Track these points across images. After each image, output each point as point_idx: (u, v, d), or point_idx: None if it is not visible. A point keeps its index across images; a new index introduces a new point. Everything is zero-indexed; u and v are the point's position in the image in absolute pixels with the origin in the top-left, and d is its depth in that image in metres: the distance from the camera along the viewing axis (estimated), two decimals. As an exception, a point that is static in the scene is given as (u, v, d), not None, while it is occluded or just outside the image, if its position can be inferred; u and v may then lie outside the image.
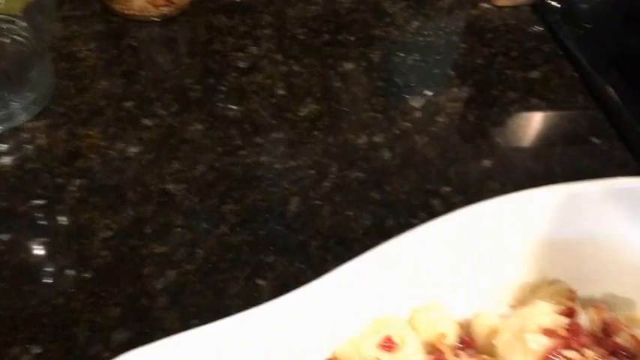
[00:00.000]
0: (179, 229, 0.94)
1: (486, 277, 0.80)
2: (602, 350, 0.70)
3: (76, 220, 0.93)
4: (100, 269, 0.88)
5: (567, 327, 0.70)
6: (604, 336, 0.73)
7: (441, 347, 0.75)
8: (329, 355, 0.75)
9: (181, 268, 0.90)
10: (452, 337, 0.77)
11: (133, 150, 1.02)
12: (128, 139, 1.04)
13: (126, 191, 0.97)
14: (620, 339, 0.72)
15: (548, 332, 0.70)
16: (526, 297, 0.79)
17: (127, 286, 0.87)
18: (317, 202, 0.99)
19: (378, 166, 1.05)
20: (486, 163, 1.07)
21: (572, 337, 0.70)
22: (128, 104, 1.09)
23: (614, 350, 0.71)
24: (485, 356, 0.73)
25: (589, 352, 0.69)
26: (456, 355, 0.75)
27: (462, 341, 0.77)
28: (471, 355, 0.74)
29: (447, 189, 1.02)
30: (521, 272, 0.80)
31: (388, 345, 0.72)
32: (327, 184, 1.01)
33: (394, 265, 0.77)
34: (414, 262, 0.78)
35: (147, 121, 1.07)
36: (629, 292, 0.78)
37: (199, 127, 1.07)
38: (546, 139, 1.14)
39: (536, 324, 0.71)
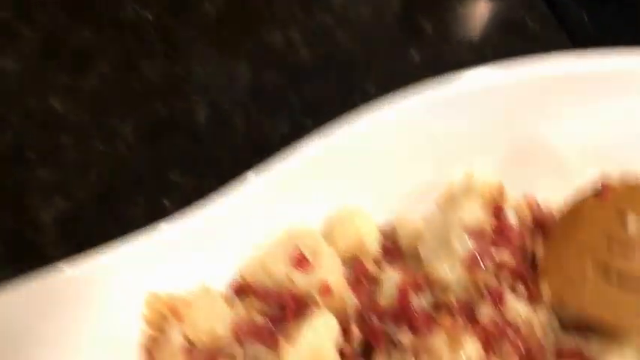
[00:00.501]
0: (69, 152, 0.83)
1: (410, 179, 0.72)
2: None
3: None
4: (-24, 202, 0.77)
5: (494, 227, 0.62)
6: (536, 228, 0.66)
7: (362, 258, 0.67)
8: (237, 277, 0.67)
9: (73, 195, 0.80)
10: (373, 245, 0.69)
11: (10, 64, 0.89)
12: (4, 53, 0.90)
13: (3, 112, 0.84)
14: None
15: (474, 233, 0.62)
16: (453, 197, 0.71)
17: (8, 219, 0.76)
18: (228, 111, 0.89)
19: (295, 66, 0.94)
20: (415, 57, 0.97)
21: (499, 237, 0.62)
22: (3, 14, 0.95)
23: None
24: (410, 264, 0.65)
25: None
26: (379, 266, 0.67)
27: (385, 249, 0.69)
28: (394, 264, 0.66)
29: (372, 88, 0.92)
30: (448, 171, 0.71)
31: (299, 260, 0.64)
32: (238, 90, 0.91)
33: (304, 173, 0.68)
34: (326, 166, 0.69)
35: (26, 31, 0.93)
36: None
37: (89, 34, 0.94)
38: (481, 28, 1.04)
39: (460, 226, 0.63)
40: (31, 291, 0.56)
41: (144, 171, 0.82)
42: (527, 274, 0.63)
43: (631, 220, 0.63)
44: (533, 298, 0.61)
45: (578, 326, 0.62)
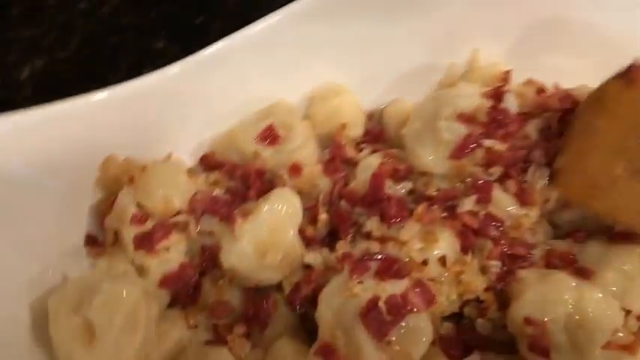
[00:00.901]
0: (52, 11, 0.77)
1: (406, 60, 0.64)
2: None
3: None
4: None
5: (489, 111, 0.55)
6: (538, 111, 0.58)
7: (339, 139, 0.60)
8: (207, 150, 0.61)
9: (52, 55, 0.75)
10: (356, 128, 0.62)
11: None
12: None
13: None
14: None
15: (466, 118, 0.55)
16: (452, 81, 0.64)
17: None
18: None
19: None
20: None
21: (494, 123, 0.54)
22: None
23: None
24: (393, 150, 0.59)
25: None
26: (359, 149, 0.60)
27: (369, 133, 0.63)
28: (377, 150, 0.59)
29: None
30: (449, 53, 0.63)
31: (270, 136, 0.58)
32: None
33: (287, 41, 0.61)
34: (314, 38, 0.62)
35: None
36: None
37: None
38: None
39: (452, 109, 0.55)
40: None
41: (129, 36, 0.76)
42: (520, 168, 0.55)
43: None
44: (524, 196, 0.54)
45: (576, 233, 0.55)
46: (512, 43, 0.64)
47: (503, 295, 0.52)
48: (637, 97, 0.53)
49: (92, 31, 0.76)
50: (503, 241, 0.53)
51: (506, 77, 0.61)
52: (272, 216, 0.52)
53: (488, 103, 0.56)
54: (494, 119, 0.55)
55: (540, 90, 0.60)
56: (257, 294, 0.55)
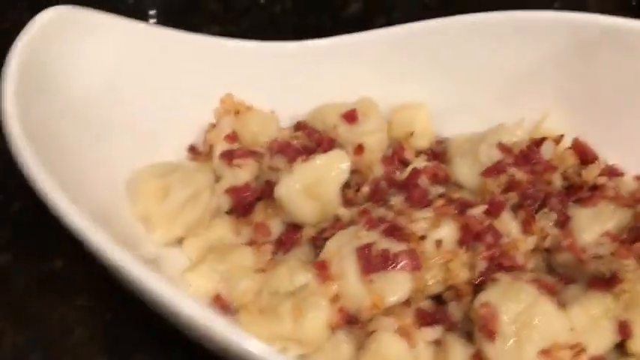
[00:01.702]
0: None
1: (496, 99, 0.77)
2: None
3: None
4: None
5: (525, 150, 0.66)
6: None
7: (403, 142, 0.74)
8: (300, 119, 0.77)
9: (226, 27, 0.94)
10: (423, 140, 0.76)
11: None
12: None
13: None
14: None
15: (504, 149, 0.67)
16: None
17: None
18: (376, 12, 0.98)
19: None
20: None
21: (522, 159, 0.66)
22: None
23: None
24: (441, 165, 0.71)
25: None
26: (416, 156, 0.74)
27: (433, 152, 0.75)
28: (427, 160, 0.72)
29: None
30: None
31: (350, 116, 0.73)
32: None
33: (392, 54, 0.76)
34: (413, 57, 0.76)
35: None
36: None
37: None
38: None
39: (496, 138, 0.68)
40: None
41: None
42: (535, 204, 0.65)
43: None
44: (528, 226, 0.64)
45: (568, 276, 0.64)
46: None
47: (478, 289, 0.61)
48: None
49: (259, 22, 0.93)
50: (495, 251, 0.63)
51: (558, 139, 0.72)
52: (323, 167, 0.66)
53: (526, 143, 0.67)
54: (525, 156, 0.66)
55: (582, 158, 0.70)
56: (293, 227, 0.69)
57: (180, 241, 0.67)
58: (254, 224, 0.68)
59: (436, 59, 0.77)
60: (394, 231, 0.62)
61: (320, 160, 0.66)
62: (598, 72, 0.75)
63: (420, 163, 0.71)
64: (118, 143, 0.68)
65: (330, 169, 0.67)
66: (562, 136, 0.72)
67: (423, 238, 0.62)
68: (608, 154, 0.73)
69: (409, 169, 0.69)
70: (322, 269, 0.59)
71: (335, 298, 0.59)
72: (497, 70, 0.78)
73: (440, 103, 0.79)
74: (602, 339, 0.60)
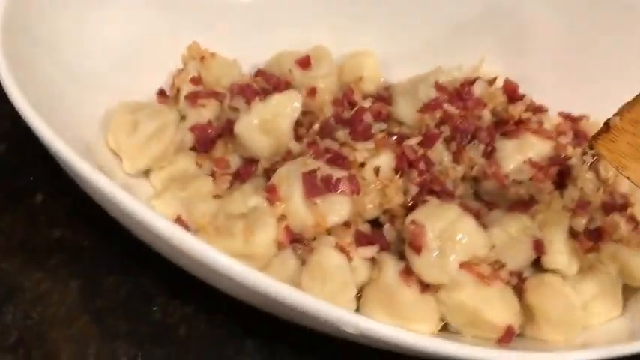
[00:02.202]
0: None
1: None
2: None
3: None
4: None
5: (458, 88, 0.74)
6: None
7: (353, 85, 0.81)
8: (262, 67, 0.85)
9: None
10: (371, 85, 0.83)
11: None
12: None
13: None
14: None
15: (439, 87, 0.75)
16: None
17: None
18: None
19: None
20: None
21: (456, 97, 0.73)
22: None
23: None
24: (385, 105, 0.79)
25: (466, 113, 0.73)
26: (364, 98, 0.81)
27: (379, 96, 0.82)
28: (374, 102, 0.79)
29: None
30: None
31: (304, 62, 0.80)
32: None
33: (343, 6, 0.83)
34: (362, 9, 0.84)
35: None
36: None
37: None
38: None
39: (433, 78, 0.75)
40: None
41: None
42: (466, 137, 0.73)
43: None
44: (458, 156, 0.72)
45: (493, 202, 0.72)
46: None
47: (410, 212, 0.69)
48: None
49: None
50: (427, 177, 0.71)
51: (491, 81, 0.79)
52: (278, 105, 0.74)
53: (459, 82, 0.75)
54: (458, 93, 0.74)
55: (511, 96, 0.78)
56: (250, 162, 0.76)
57: (147, 174, 0.75)
58: (215, 159, 0.76)
59: (386, 9, 0.83)
60: (337, 159, 0.69)
61: (275, 99, 0.74)
62: (533, 22, 0.82)
63: (366, 103, 0.78)
64: (96, 84, 0.75)
65: (284, 107, 0.74)
66: (495, 78, 0.80)
67: (363, 165, 0.70)
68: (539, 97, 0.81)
69: (356, 107, 0.76)
70: (271, 192, 0.67)
71: (282, 218, 0.67)
72: (443, 18, 0.85)
73: (389, 51, 0.86)
74: (519, 256, 0.68)
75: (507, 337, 0.65)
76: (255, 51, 0.84)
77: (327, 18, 0.84)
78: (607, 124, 0.60)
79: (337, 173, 0.68)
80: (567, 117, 0.78)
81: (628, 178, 0.60)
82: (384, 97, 0.82)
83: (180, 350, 0.66)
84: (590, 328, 0.69)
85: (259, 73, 0.83)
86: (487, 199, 0.73)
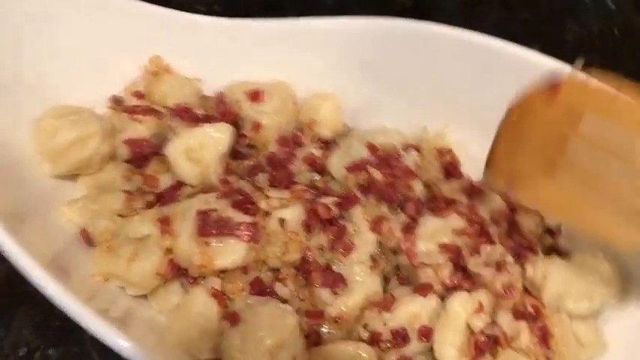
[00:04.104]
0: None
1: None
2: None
3: None
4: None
5: (388, 153, 0.70)
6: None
7: (306, 128, 0.79)
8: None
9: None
10: (326, 129, 0.80)
11: None
12: None
13: None
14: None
15: (371, 147, 0.71)
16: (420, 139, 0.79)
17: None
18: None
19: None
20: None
21: (384, 161, 0.69)
22: None
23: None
24: (326, 153, 0.76)
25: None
26: (313, 141, 0.78)
27: (328, 142, 0.79)
28: (319, 148, 0.77)
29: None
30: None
31: (255, 95, 0.78)
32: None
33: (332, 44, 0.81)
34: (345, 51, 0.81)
35: None
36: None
37: None
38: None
39: (370, 139, 0.72)
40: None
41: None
42: (394, 205, 0.69)
43: (587, 121, 0.59)
44: (377, 226, 0.68)
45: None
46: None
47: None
48: (558, 108, 0.60)
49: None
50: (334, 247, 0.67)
51: (442, 152, 0.75)
52: (206, 135, 0.72)
53: (393, 147, 0.71)
54: (386, 159, 0.70)
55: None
56: (178, 185, 0.75)
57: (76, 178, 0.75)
58: (145, 175, 0.75)
59: (357, 56, 0.80)
60: (244, 203, 0.67)
61: (203, 130, 0.72)
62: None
63: (308, 148, 0.75)
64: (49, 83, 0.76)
65: (211, 139, 0.72)
66: (449, 150, 0.75)
67: (268, 214, 0.67)
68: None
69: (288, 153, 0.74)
70: (164, 223, 0.66)
71: (168, 251, 0.65)
72: (417, 75, 0.81)
73: (357, 98, 0.82)
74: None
75: None
76: (223, 75, 0.82)
77: (300, 54, 0.81)
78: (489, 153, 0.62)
79: (238, 217, 0.66)
80: (511, 204, 0.72)
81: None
82: (335, 144, 0.79)
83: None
84: None
85: (219, 97, 0.81)
86: (403, 273, 0.69)
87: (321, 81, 0.83)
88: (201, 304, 0.63)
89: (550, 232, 0.74)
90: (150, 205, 0.73)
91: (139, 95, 0.77)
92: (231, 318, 0.62)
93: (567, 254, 0.72)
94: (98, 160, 0.74)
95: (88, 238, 0.69)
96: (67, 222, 0.71)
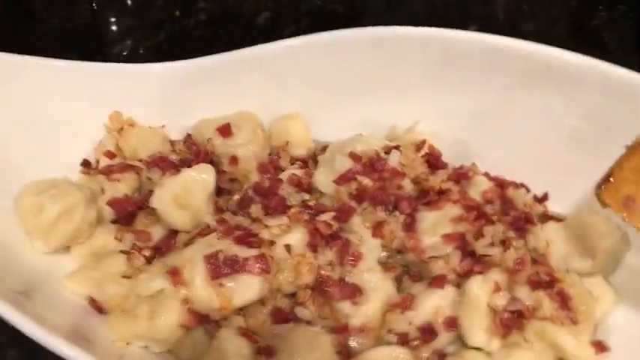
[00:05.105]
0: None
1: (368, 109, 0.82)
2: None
3: None
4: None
5: (373, 158, 0.71)
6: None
7: (280, 152, 0.79)
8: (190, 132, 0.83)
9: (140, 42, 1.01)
10: (299, 149, 0.81)
11: None
12: None
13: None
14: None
15: (354, 157, 0.72)
16: (393, 137, 0.81)
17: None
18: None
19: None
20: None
21: (369, 167, 0.71)
22: None
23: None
24: (310, 172, 0.77)
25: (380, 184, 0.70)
26: (292, 163, 0.79)
27: (314, 157, 0.80)
28: (303, 167, 0.77)
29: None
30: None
31: (225, 130, 0.78)
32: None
33: (274, 69, 0.81)
34: (294, 72, 0.81)
35: None
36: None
37: None
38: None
39: (350, 148, 0.73)
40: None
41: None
42: (388, 208, 0.70)
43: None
44: (377, 230, 0.69)
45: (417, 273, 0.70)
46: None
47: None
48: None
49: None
50: (346, 255, 0.68)
51: (419, 145, 0.77)
52: (190, 179, 0.72)
53: (374, 151, 0.72)
54: (372, 164, 0.71)
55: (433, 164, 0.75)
56: (171, 234, 0.74)
57: (68, 248, 0.74)
58: (136, 231, 0.74)
59: (316, 71, 0.81)
60: (246, 238, 0.67)
61: (187, 173, 0.72)
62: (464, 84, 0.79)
63: (289, 171, 0.76)
64: (14, 160, 0.74)
65: (197, 181, 0.72)
66: (424, 141, 0.77)
67: (272, 243, 0.67)
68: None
69: (272, 179, 0.74)
70: (174, 275, 0.65)
71: (185, 301, 0.65)
72: (377, 79, 0.82)
73: (326, 113, 0.83)
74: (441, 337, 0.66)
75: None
76: (184, 117, 0.82)
77: (256, 82, 0.82)
78: (608, 174, 0.63)
79: (245, 252, 0.66)
80: (497, 182, 0.75)
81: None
82: (313, 161, 0.80)
83: None
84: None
85: (187, 139, 0.81)
86: (413, 270, 0.70)
87: (281, 103, 0.84)
88: (234, 346, 0.63)
89: (538, 200, 0.77)
90: (149, 260, 0.72)
91: (110, 155, 0.76)
92: (266, 352, 0.62)
93: (561, 218, 0.74)
94: (87, 228, 0.73)
95: (97, 307, 0.69)
96: (72, 294, 0.69)
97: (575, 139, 0.77)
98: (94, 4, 0.98)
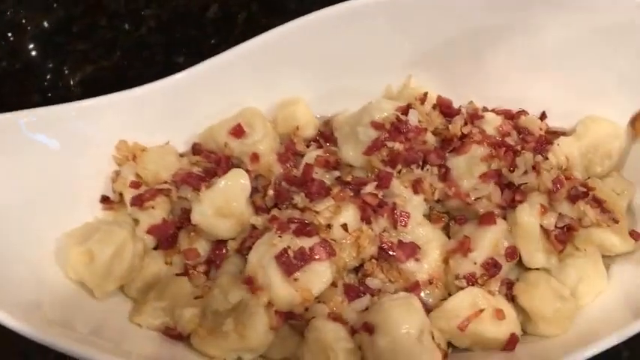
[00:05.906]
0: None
1: (359, 80, 0.84)
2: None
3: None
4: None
5: (395, 122, 0.74)
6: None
7: (292, 137, 0.81)
8: (197, 141, 0.83)
9: (98, 64, 0.98)
10: (308, 130, 0.82)
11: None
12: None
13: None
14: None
15: (377, 125, 0.74)
16: (392, 97, 0.83)
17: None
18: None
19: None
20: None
21: (395, 131, 0.73)
22: None
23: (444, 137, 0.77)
24: (332, 147, 0.78)
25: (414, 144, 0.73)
26: (308, 146, 0.80)
27: (322, 135, 0.82)
28: (320, 146, 0.79)
29: None
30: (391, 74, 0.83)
31: (237, 131, 0.79)
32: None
33: (259, 62, 0.81)
34: (279, 59, 0.82)
35: None
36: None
37: None
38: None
39: (369, 118, 0.75)
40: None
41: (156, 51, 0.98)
42: (419, 164, 0.73)
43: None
44: (417, 186, 0.73)
45: (459, 217, 0.74)
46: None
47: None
48: None
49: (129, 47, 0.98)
50: (394, 217, 0.72)
51: (423, 98, 0.80)
52: (227, 188, 0.73)
53: (394, 115, 0.75)
54: (396, 127, 0.74)
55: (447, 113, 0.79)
56: (218, 244, 0.75)
57: (121, 288, 0.73)
58: (183, 251, 0.75)
59: (304, 53, 0.82)
60: (303, 228, 0.69)
61: (222, 183, 0.73)
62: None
63: (312, 153, 0.78)
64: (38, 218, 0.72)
65: (234, 188, 0.73)
66: (426, 94, 0.80)
67: (329, 226, 0.70)
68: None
69: (302, 165, 0.76)
70: (250, 283, 0.67)
71: (269, 305, 0.66)
72: (360, 50, 0.84)
73: (317, 90, 0.85)
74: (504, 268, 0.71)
75: (511, 345, 0.68)
76: (187, 128, 0.82)
77: (249, 77, 0.82)
78: None
79: (307, 242, 0.68)
80: (507, 115, 0.79)
81: None
82: (327, 136, 0.82)
83: None
84: (584, 308, 0.72)
85: (196, 148, 0.81)
86: (457, 215, 0.75)
87: (275, 91, 0.85)
88: (331, 332, 0.65)
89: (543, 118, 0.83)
90: (207, 274, 0.73)
91: (136, 185, 0.75)
92: (366, 328, 0.65)
93: (564, 132, 0.81)
94: (138, 262, 0.72)
95: (175, 334, 0.69)
96: (145, 329, 0.70)
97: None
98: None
